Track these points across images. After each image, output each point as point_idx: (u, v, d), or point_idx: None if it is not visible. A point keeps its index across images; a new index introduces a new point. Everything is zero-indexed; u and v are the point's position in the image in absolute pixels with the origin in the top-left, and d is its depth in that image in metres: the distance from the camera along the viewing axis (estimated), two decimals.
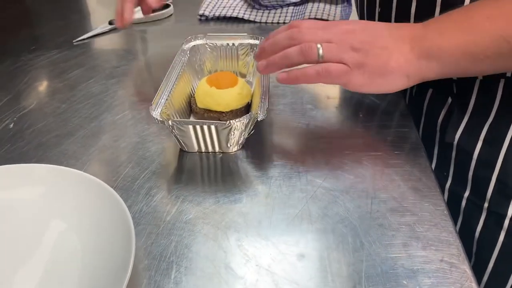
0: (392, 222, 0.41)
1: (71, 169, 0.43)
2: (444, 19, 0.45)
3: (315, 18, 0.79)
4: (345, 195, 0.44)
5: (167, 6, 0.85)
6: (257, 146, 0.51)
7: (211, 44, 0.61)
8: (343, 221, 0.41)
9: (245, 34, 0.61)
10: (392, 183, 0.45)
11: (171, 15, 0.86)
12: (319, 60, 0.45)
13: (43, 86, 0.65)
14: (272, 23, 0.80)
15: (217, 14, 0.82)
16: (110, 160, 0.50)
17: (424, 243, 0.39)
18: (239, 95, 0.53)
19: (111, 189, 0.41)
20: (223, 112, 0.53)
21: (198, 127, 0.47)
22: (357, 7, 0.66)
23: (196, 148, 0.50)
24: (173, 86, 0.52)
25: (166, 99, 0.49)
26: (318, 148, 0.50)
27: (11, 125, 0.56)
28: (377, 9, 0.57)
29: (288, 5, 0.84)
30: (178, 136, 0.48)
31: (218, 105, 0.52)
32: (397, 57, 0.44)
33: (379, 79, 0.45)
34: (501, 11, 0.41)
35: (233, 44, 0.60)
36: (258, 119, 0.47)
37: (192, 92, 0.58)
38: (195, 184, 0.46)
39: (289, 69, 0.47)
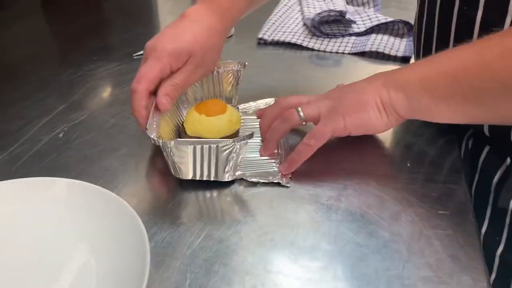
0: None
1: (98, 187, 0.44)
2: (427, 57, 0.46)
3: (376, 51, 0.76)
4: (376, 255, 0.41)
5: None
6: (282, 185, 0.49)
7: None
8: (369, 284, 0.38)
9: (229, 60, 0.60)
10: (430, 247, 0.41)
11: (231, 35, 0.86)
12: (301, 120, 0.49)
13: (97, 98, 0.67)
14: (331, 52, 0.78)
15: (276, 38, 0.81)
16: (145, 182, 0.51)
17: None
18: (229, 122, 0.52)
19: (134, 212, 0.41)
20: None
21: (198, 147, 0.46)
22: (414, 42, 0.63)
23: (191, 174, 0.48)
24: (159, 117, 0.50)
25: (158, 125, 0.49)
26: (355, 195, 0.47)
27: (61, 135, 0.58)
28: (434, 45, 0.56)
29: (351, 34, 0.81)
30: (175, 160, 0.47)
31: (209, 132, 0.51)
32: (370, 91, 0.47)
33: (357, 115, 0.47)
34: (465, 51, 0.42)
35: (217, 72, 0.60)
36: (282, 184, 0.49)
37: (179, 122, 0.57)
38: (220, 219, 0.45)
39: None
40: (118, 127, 0.60)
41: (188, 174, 0.48)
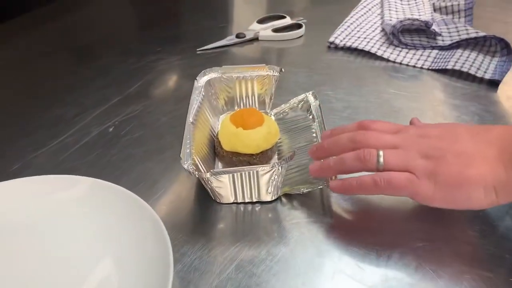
0: None
1: (123, 189, 0.42)
2: None
3: (460, 70, 0.67)
4: None
5: (299, 26, 0.81)
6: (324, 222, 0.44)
7: (226, 77, 0.55)
8: None
9: (263, 64, 0.55)
10: None
11: (301, 36, 0.81)
12: (379, 168, 0.40)
13: (153, 92, 0.65)
14: (407, 65, 0.71)
15: (348, 44, 0.75)
16: (185, 193, 0.48)
17: None
18: (268, 134, 0.48)
19: (162, 225, 0.38)
20: (253, 155, 0.48)
21: (237, 175, 0.42)
22: None
23: (232, 199, 0.45)
24: (193, 129, 0.47)
25: (191, 146, 0.45)
26: (412, 247, 0.41)
27: (111, 129, 0.57)
28: None
29: (433, 47, 0.73)
30: (213, 186, 0.44)
31: (248, 147, 0.47)
32: (479, 164, 0.37)
33: (454, 191, 0.37)
34: None
35: (250, 76, 0.55)
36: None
37: (213, 133, 0.53)
38: (256, 248, 0.41)
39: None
40: (168, 127, 0.57)
41: (228, 199, 0.46)
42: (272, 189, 0.44)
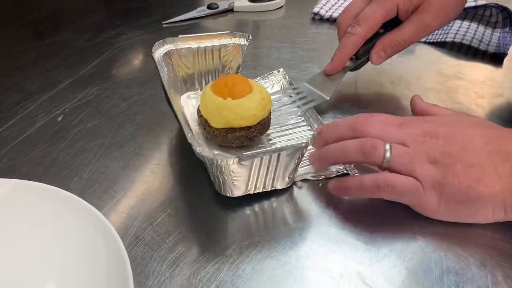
0: None
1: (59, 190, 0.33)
2: None
3: (460, 43, 0.60)
4: None
5: None
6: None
7: (183, 49, 0.46)
8: None
9: (228, 31, 0.47)
10: None
11: (281, 7, 0.72)
12: (384, 164, 0.34)
13: (110, 73, 0.56)
14: None
15: (334, 15, 0.67)
16: (153, 194, 0.39)
17: None
18: (263, 101, 0.41)
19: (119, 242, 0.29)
20: (251, 127, 0.41)
21: (265, 157, 0.35)
22: None
23: (244, 189, 0.38)
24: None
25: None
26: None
27: (60, 118, 0.48)
28: None
29: None
30: (232, 178, 0.36)
31: (243, 119, 0.40)
32: (491, 180, 0.33)
33: (460, 206, 0.33)
34: None
35: (212, 46, 0.47)
36: None
37: (185, 115, 0.45)
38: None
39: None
40: (129, 115, 0.48)
41: (241, 190, 0.38)
42: (291, 173, 0.38)
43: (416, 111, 0.42)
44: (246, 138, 0.42)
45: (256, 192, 0.38)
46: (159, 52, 0.45)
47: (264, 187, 0.38)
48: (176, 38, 0.45)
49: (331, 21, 0.68)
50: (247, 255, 0.34)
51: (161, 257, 0.34)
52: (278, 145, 0.43)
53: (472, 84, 0.53)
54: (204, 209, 0.38)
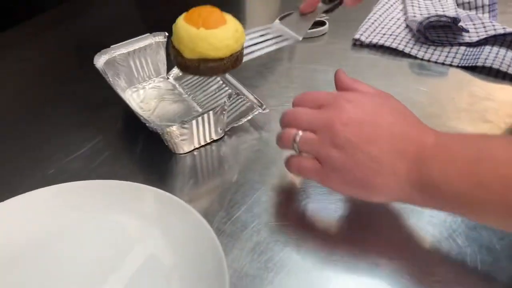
0: None
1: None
2: (456, 149, 0.35)
3: (490, 68, 0.67)
4: None
5: (322, 23, 0.80)
6: None
7: (118, 56, 0.55)
8: None
9: (147, 34, 0.57)
10: None
11: (325, 33, 0.80)
12: (296, 150, 0.41)
13: None
14: (436, 62, 0.70)
15: (374, 41, 0.74)
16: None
17: None
18: (236, 33, 0.43)
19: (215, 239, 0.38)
20: (223, 59, 0.43)
21: (199, 119, 0.48)
22: None
23: (191, 145, 0.50)
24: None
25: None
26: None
27: None
28: None
29: (460, 44, 0.72)
30: (178, 139, 0.48)
31: (217, 50, 0.41)
32: (387, 176, 0.36)
33: (357, 190, 0.39)
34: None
35: (139, 48, 0.57)
36: None
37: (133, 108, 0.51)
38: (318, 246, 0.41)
39: None
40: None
41: (190, 146, 0.50)
42: (223, 126, 0.50)
43: (339, 86, 0.44)
44: (218, 69, 0.43)
45: (200, 146, 0.50)
46: (100, 60, 0.54)
47: (205, 140, 0.50)
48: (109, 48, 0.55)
49: (371, 46, 0.75)
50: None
51: None
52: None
53: (501, 105, 0.60)
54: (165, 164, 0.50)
